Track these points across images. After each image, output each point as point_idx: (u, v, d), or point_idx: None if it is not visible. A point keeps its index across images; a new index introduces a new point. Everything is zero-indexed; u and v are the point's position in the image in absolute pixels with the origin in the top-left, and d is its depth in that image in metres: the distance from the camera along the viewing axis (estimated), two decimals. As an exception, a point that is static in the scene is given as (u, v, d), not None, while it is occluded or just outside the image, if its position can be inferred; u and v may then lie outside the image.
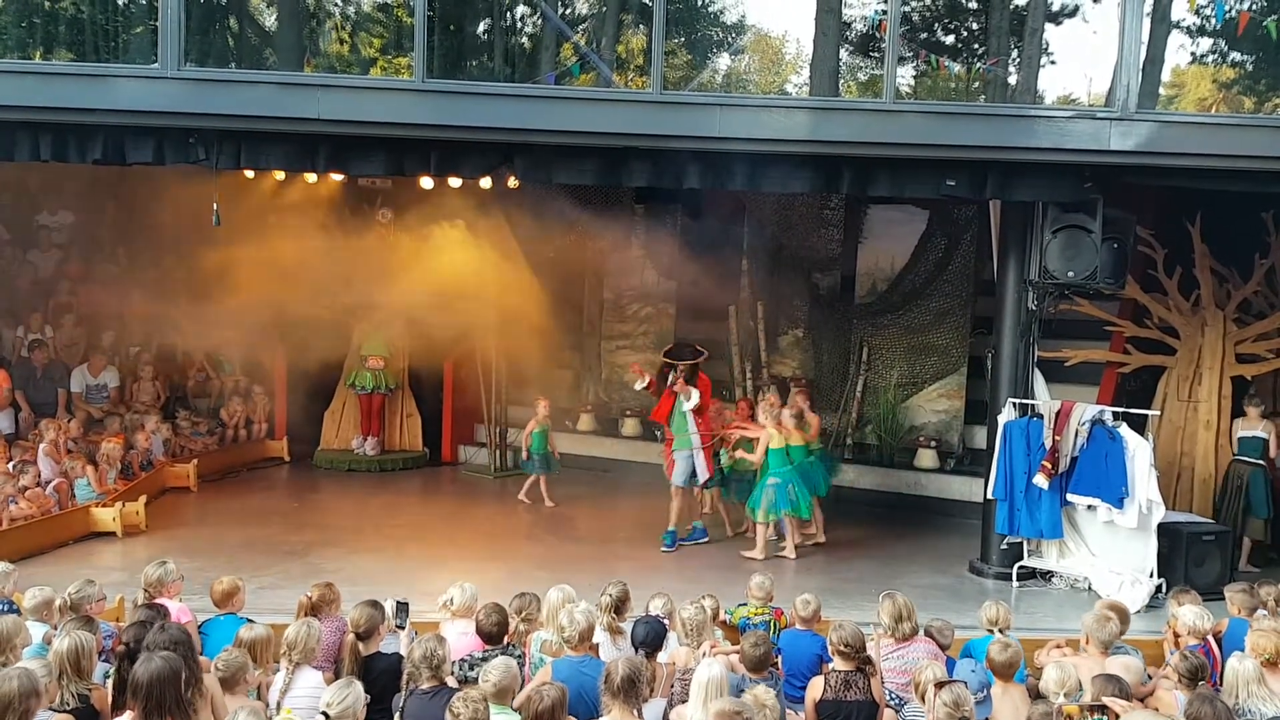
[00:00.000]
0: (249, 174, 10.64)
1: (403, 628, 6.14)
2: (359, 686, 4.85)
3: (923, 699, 5.29)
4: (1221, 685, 5.89)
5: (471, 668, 5.59)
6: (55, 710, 4.87)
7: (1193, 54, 11.45)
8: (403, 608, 6.22)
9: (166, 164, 8.47)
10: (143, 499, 10.22)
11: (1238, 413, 10.44)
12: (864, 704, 5.68)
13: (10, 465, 9.86)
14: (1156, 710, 5.50)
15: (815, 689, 5.77)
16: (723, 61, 12.39)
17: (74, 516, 9.74)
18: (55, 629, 5.82)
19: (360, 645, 5.85)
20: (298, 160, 8.59)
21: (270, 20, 11.63)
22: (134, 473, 11.09)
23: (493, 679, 5.02)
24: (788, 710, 5.81)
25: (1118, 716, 4.80)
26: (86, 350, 12.62)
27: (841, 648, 5.76)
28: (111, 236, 13.73)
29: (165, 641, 4.97)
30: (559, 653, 6.01)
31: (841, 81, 11.24)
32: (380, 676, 5.72)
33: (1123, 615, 6.74)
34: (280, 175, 11.53)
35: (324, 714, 4.57)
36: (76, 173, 10.88)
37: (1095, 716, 4.80)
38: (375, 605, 6.00)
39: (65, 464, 10.24)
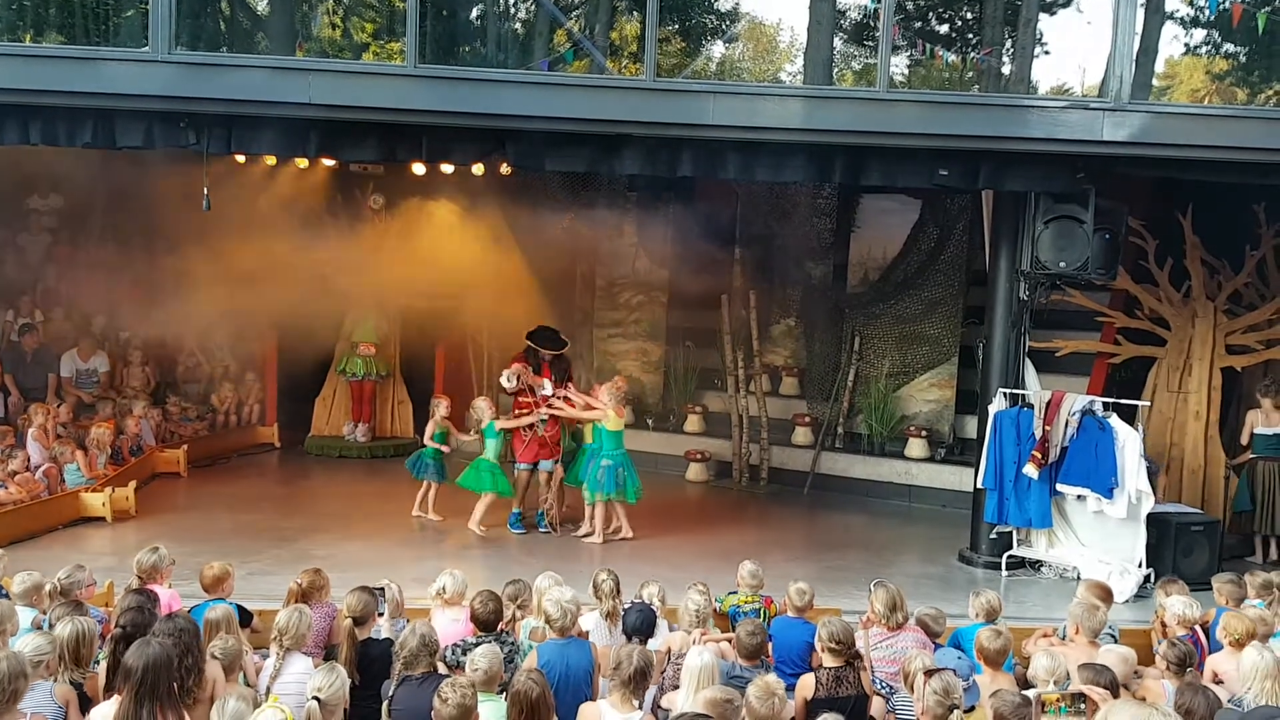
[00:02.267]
0: (240, 159, 10.61)
1: (381, 613, 6.14)
2: (343, 671, 4.86)
3: (912, 688, 5.31)
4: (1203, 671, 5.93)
5: (464, 653, 5.60)
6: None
7: (1186, 45, 11.47)
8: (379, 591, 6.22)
9: (157, 148, 8.43)
10: (133, 484, 10.19)
11: (1227, 406, 10.43)
12: (856, 698, 5.68)
13: (-1, 450, 9.84)
14: (1144, 700, 5.51)
15: (806, 688, 5.68)
16: (716, 49, 12.35)
17: (63, 501, 9.72)
18: (44, 614, 5.81)
19: (357, 631, 5.86)
20: (289, 145, 8.56)
21: (262, 4, 11.59)
22: (124, 458, 11.07)
23: (481, 667, 5.05)
24: (777, 698, 5.82)
25: (1097, 706, 4.79)
26: (76, 336, 12.55)
27: (832, 644, 5.69)
28: (102, 221, 13.65)
29: (171, 630, 4.94)
30: (546, 639, 6.02)
31: (835, 70, 11.24)
32: (375, 662, 5.74)
33: (1105, 595, 6.77)
34: (271, 160, 11.48)
35: (315, 698, 4.58)
36: (67, 156, 10.81)
37: (1073, 705, 4.77)
38: (369, 591, 6.01)
39: (54, 449, 10.20)
